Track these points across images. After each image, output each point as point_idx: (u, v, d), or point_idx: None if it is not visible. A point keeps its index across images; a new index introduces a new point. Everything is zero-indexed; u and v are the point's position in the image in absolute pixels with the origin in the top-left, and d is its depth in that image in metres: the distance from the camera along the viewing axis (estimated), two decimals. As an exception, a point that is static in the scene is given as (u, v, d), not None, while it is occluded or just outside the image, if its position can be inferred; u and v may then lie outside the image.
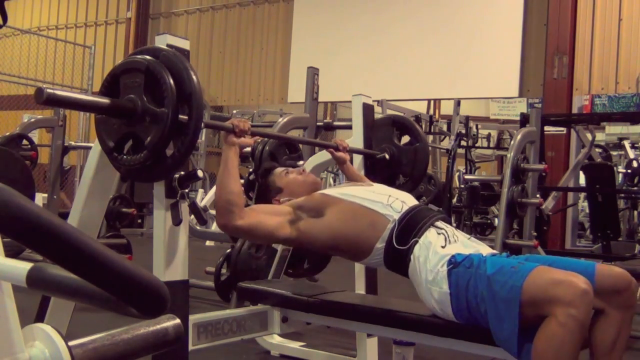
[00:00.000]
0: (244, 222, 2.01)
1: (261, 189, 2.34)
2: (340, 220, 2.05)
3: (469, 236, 2.04)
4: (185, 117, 1.70)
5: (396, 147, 2.88)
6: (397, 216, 1.99)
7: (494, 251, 1.98)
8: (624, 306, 1.74)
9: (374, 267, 2.09)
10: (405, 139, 2.97)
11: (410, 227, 1.95)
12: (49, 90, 1.52)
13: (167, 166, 1.75)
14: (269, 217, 2.09)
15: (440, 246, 1.90)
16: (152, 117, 1.69)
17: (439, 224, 1.98)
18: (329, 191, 2.20)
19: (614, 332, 1.72)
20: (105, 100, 1.71)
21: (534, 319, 1.64)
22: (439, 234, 1.93)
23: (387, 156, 2.81)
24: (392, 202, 2.05)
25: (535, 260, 1.88)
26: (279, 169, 2.35)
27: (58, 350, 0.73)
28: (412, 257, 1.91)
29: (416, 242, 1.92)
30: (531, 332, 1.65)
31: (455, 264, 1.82)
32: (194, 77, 1.70)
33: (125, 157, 1.75)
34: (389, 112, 7.72)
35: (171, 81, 1.68)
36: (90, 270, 0.69)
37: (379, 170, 2.85)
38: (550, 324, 1.59)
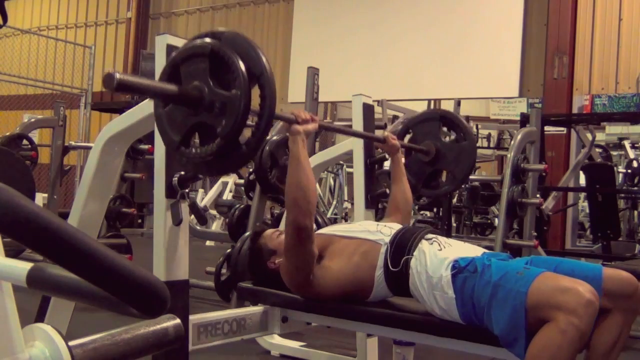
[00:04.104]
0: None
1: (254, 253, 2.28)
2: (338, 259, 2.05)
3: (462, 242, 2.05)
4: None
5: (442, 143, 2.75)
6: (388, 239, 2.01)
7: (491, 252, 1.99)
8: (629, 310, 1.75)
9: (383, 298, 2.08)
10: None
11: (401, 246, 1.96)
12: (119, 76, 1.38)
13: (242, 154, 1.62)
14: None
15: (437, 250, 1.91)
16: (222, 102, 1.56)
17: (429, 235, 2.00)
18: (321, 231, 2.23)
19: (615, 334, 1.73)
20: (173, 87, 1.57)
21: (539, 324, 1.63)
22: (431, 243, 1.95)
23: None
24: (380, 228, 2.08)
25: (540, 262, 1.87)
26: (269, 231, 2.30)
27: (58, 350, 0.73)
28: (410, 272, 1.92)
29: (409, 259, 1.93)
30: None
31: (459, 269, 1.81)
32: (262, 55, 1.59)
33: (195, 150, 1.61)
34: (389, 112, 7.72)
35: (240, 62, 1.55)
36: (90, 270, 0.69)
37: (421, 168, 2.77)
38: (550, 329, 1.59)
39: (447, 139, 2.80)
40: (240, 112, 1.53)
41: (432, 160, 2.72)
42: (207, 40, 1.61)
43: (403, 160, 2.58)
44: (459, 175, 2.75)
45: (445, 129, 2.81)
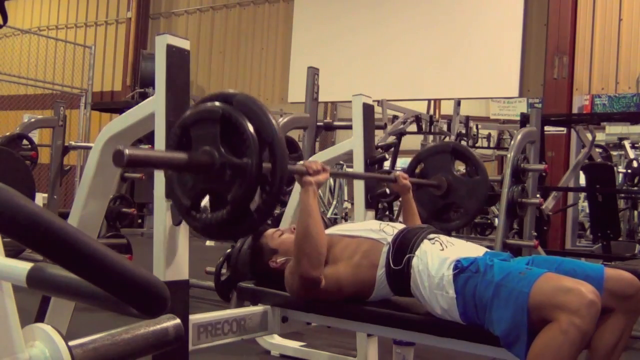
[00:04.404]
0: (319, 275, 1.99)
1: (255, 252, 2.29)
2: (340, 263, 2.05)
3: (464, 241, 2.05)
4: (268, 165, 1.57)
5: (453, 177, 2.72)
6: (390, 238, 2.01)
7: (493, 252, 1.99)
8: (631, 311, 1.75)
9: (383, 297, 2.08)
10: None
11: (403, 246, 1.97)
12: (128, 152, 1.35)
13: (253, 221, 1.61)
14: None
15: (439, 250, 1.91)
16: (233, 169, 1.54)
17: (431, 235, 2.00)
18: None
19: (616, 334, 1.72)
20: (182, 156, 1.55)
21: (541, 324, 1.63)
22: (433, 243, 1.95)
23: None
24: (383, 227, 2.09)
25: (541, 261, 1.88)
26: (270, 230, 2.30)
27: (58, 350, 0.73)
28: (411, 271, 1.92)
29: (411, 257, 1.93)
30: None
31: (461, 268, 1.81)
32: (273, 121, 1.59)
33: (205, 216, 1.61)
34: (389, 112, 7.72)
35: (251, 128, 1.55)
36: (90, 271, 0.69)
37: (432, 201, 2.73)
38: (552, 329, 1.58)
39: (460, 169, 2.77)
40: (252, 180, 1.53)
41: (443, 194, 2.69)
42: (218, 104, 1.60)
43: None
44: (471, 209, 2.73)
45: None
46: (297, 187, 2.94)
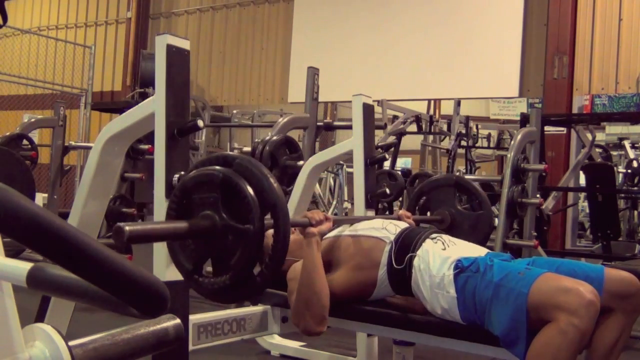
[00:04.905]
0: (323, 329, 1.99)
1: None
2: (342, 260, 2.06)
3: (466, 242, 2.06)
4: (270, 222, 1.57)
5: (457, 211, 2.73)
6: (392, 237, 2.01)
7: (494, 252, 2.00)
8: (631, 311, 1.75)
9: (384, 296, 2.08)
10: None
11: (405, 245, 1.97)
12: (129, 228, 1.33)
13: (256, 285, 1.61)
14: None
15: (441, 249, 1.92)
16: (235, 235, 1.53)
17: (433, 235, 2.00)
18: (329, 234, 2.21)
19: (616, 334, 1.73)
20: (183, 225, 1.53)
21: (540, 324, 1.64)
22: (435, 242, 1.95)
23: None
24: (386, 225, 2.09)
25: (542, 262, 1.88)
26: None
27: (58, 350, 0.73)
28: (413, 270, 1.92)
29: (413, 256, 1.93)
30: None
31: (462, 268, 1.82)
32: (274, 184, 1.56)
33: (208, 280, 1.60)
34: (389, 112, 7.72)
35: (252, 193, 1.53)
36: (91, 271, 0.69)
37: None
38: (551, 329, 1.59)
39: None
40: (255, 247, 1.52)
41: (446, 228, 2.69)
42: (218, 168, 1.59)
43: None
44: (475, 242, 2.73)
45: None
46: (298, 185, 2.94)
